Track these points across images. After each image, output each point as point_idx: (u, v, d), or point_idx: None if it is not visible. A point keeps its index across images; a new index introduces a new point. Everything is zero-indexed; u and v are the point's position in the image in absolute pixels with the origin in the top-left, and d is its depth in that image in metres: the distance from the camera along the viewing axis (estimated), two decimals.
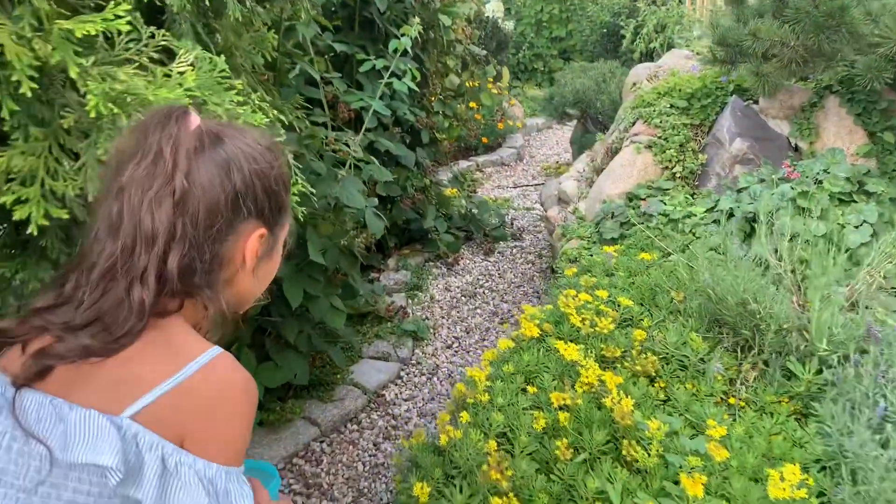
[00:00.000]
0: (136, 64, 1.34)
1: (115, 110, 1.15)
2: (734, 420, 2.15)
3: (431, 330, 3.91)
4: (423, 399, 3.31)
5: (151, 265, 0.88)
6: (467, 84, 4.83)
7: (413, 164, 4.49)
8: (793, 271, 2.54)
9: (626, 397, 2.08)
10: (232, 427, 0.90)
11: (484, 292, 4.43)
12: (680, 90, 3.61)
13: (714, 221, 3.13)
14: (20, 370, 0.85)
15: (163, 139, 0.90)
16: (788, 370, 2.25)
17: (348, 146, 3.32)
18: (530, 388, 2.25)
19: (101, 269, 0.89)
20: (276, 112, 1.73)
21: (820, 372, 2.14)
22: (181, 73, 1.39)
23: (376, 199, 3.27)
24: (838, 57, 2.55)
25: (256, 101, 1.65)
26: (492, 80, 6.22)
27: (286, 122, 1.91)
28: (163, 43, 1.44)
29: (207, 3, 1.70)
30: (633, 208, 3.33)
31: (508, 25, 9.98)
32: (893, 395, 1.79)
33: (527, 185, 6.78)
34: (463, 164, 7.00)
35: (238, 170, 0.93)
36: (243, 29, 2.14)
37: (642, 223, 3.21)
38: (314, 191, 2.23)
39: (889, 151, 3.17)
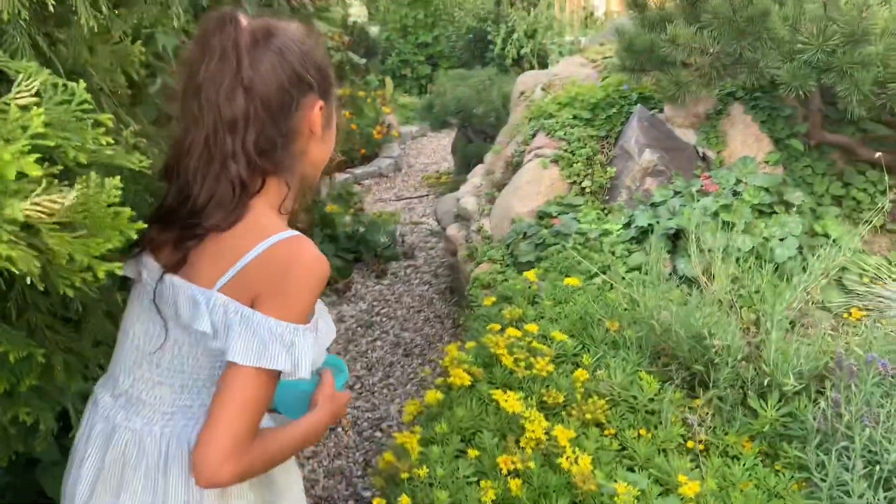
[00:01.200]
0: None
1: None
2: (697, 467, 1.95)
3: None
4: (328, 455, 2.92)
5: (237, 146, 1.04)
6: (348, 94, 4.47)
7: None
8: (731, 292, 2.40)
9: (582, 453, 1.83)
10: (300, 290, 1.04)
11: (382, 320, 4.08)
12: (582, 100, 3.44)
13: (632, 239, 2.95)
14: (166, 259, 1.08)
15: (224, 40, 1.05)
16: (745, 404, 2.09)
17: None
18: (471, 451, 1.95)
19: (195, 160, 1.06)
20: (155, 152, 1.33)
21: (783, 406, 1.99)
22: (24, 109, 0.97)
23: None
24: (761, 64, 2.43)
25: (129, 138, 1.24)
26: (375, 90, 5.89)
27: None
28: None
29: (51, 8, 1.27)
30: (546, 227, 3.11)
31: (374, 31, 9.67)
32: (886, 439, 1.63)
33: (410, 198, 6.48)
34: (340, 177, 6.60)
35: (291, 53, 1.08)
36: (98, 41, 1.70)
37: (558, 244, 2.99)
38: None
39: (795, 158, 3.13)
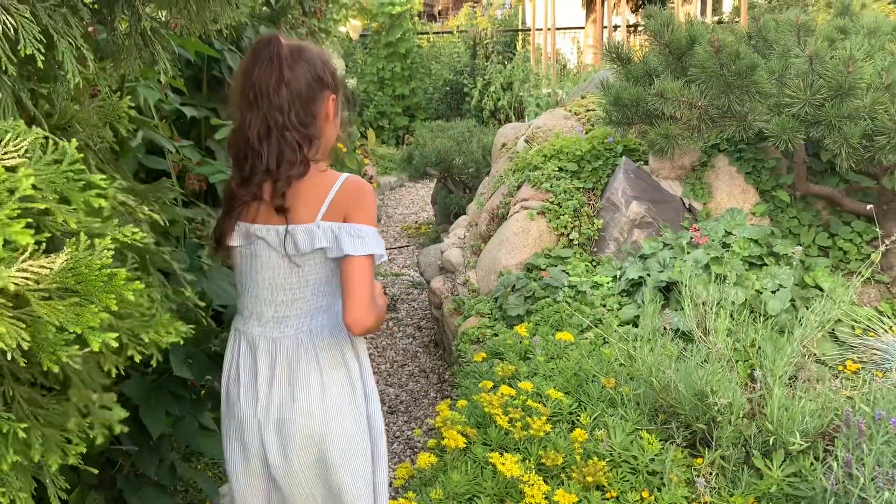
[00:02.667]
0: None
1: None
2: None
3: None
4: None
5: (288, 121, 1.52)
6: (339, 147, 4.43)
7: None
8: (743, 355, 2.35)
9: None
10: (370, 204, 1.58)
11: None
12: (568, 152, 3.43)
13: (623, 291, 2.92)
14: (264, 217, 1.57)
15: (270, 52, 1.53)
16: (750, 463, 2.03)
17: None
18: None
19: (255, 134, 1.52)
20: (146, 210, 1.26)
21: (789, 465, 1.93)
22: (11, 170, 0.91)
23: None
24: (749, 117, 2.44)
25: (119, 197, 1.17)
26: (358, 143, 5.87)
27: (157, 219, 1.43)
28: None
29: (40, 64, 1.22)
30: (535, 280, 3.06)
31: (352, 83, 9.73)
32: None
33: (391, 249, 6.42)
34: None
35: (315, 62, 1.56)
36: (85, 95, 1.64)
37: (548, 297, 2.94)
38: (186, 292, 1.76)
39: (781, 209, 3.14)
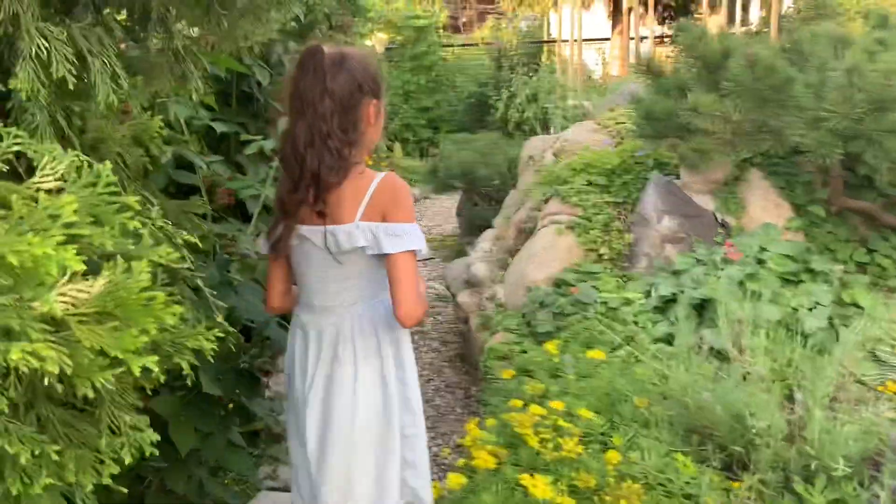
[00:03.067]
0: None
1: None
2: None
3: None
4: None
5: (331, 129, 1.61)
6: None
7: None
8: (779, 374, 2.29)
9: None
10: (407, 200, 1.67)
11: None
12: (597, 166, 3.40)
13: (655, 308, 2.87)
14: (310, 219, 1.66)
15: (315, 63, 1.62)
16: (790, 488, 1.97)
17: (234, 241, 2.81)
18: None
19: (302, 141, 1.62)
20: (183, 235, 1.26)
21: (830, 491, 1.87)
22: (52, 193, 0.90)
23: None
24: (786, 132, 2.39)
25: (157, 221, 1.16)
26: (384, 155, 5.89)
27: (190, 241, 1.42)
28: (16, 146, 0.95)
29: (71, 85, 1.21)
30: (564, 295, 3.02)
31: None
32: None
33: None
34: None
35: (356, 71, 1.65)
36: (116, 114, 1.65)
37: (577, 313, 2.90)
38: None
39: (816, 224, 3.07)
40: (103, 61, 1.44)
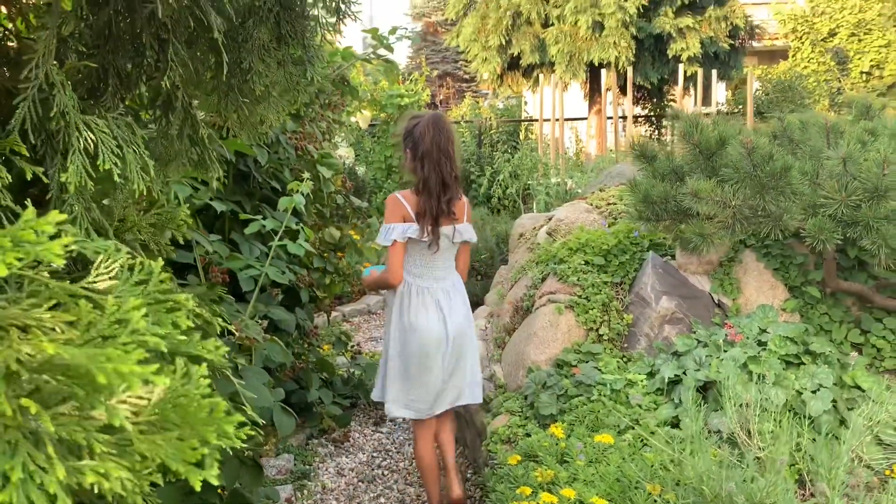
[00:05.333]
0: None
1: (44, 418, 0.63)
2: None
3: None
4: None
5: (456, 169, 2.81)
6: (353, 235, 4.45)
7: (294, 329, 3.95)
8: (789, 459, 2.28)
9: None
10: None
11: (384, 474, 3.85)
12: (594, 246, 3.44)
13: (658, 390, 2.86)
14: (445, 220, 2.80)
15: (445, 125, 2.83)
16: None
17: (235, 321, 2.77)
18: None
19: (449, 175, 2.77)
20: (220, 322, 1.24)
21: None
22: (114, 297, 0.88)
23: (282, 391, 2.70)
24: (785, 217, 2.45)
25: (205, 314, 1.15)
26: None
27: (228, 329, 1.41)
28: (74, 245, 0.94)
29: (116, 177, 1.21)
30: (566, 377, 3.01)
31: (361, 171, 9.88)
32: None
33: None
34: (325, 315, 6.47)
35: (453, 128, 2.89)
36: (145, 203, 1.64)
37: (581, 395, 2.88)
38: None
39: (811, 306, 3.12)
40: (134, 151, 1.45)
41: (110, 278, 0.98)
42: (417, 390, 2.85)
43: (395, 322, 2.86)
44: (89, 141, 1.18)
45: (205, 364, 0.91)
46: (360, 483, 3.74)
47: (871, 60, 16.98)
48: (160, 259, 1.02)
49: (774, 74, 14.30)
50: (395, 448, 4.14)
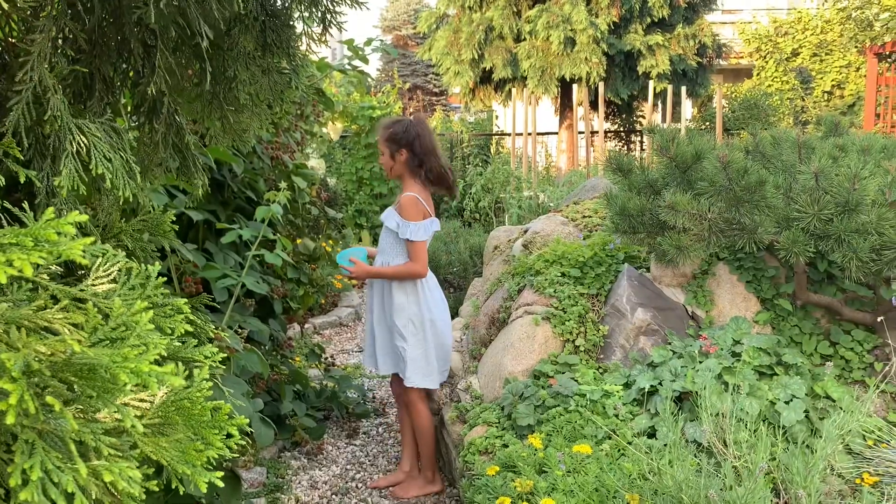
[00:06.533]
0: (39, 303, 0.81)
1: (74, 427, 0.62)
2: None
3: None
4: None
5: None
6: (325, 248, 4.43)
7: (268, 340, 3.91)
8: (747, 461, 2.32)
9: None
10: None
11: (358, 486, 3.82)
12: (570, 258, 3.47)
13: (634, 401, 2.89)
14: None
15: (428, 126, 3.42)
16: None
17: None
18: None
19: (447, 168, 3.38)
20: (213, 328, 1.23)
21: None
22: (105, 297, 0.87)
23: (260, 402, 2.67)
24: (759, 230, 2.50)
25: (198, 321, 1.14)
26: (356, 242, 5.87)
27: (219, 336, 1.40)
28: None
29: (108, 182, 1.20)
30: (544, 387, 3.02)
31: (332, 182, 9.84)
32: None
33: None
34: (299, 327, 6.43)
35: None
36: (130, 207, 1.63)
37: (559, 405, 2.90)
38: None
39: (783, 318, 3.18)
40: (121, 156, 1.44)
41: (109, 282, 0.97)
42: (440, 363, 3.39)
43: (415, 315, 3.26)
44: (82, 145, 1.17)
45: (206, 367, 0.91)
46: (333, 496, 3.71)
47: (832, 80, 17.47)
48: (157, 263, 1.01)
49: (739, 93, 14.62)
50: (369, 461, 4.12)
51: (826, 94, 17.35)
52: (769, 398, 2.70)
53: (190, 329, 0.97)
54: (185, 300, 1.01)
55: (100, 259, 0.97)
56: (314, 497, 3.69)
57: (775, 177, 2.60)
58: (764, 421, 2.66)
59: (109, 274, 0.97)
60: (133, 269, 1.00)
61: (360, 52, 5.07)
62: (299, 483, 3.82)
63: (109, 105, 1.76)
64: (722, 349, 2.89)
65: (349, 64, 4.92)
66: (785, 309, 3.15)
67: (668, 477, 2.20)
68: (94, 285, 0.95)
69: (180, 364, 0.92)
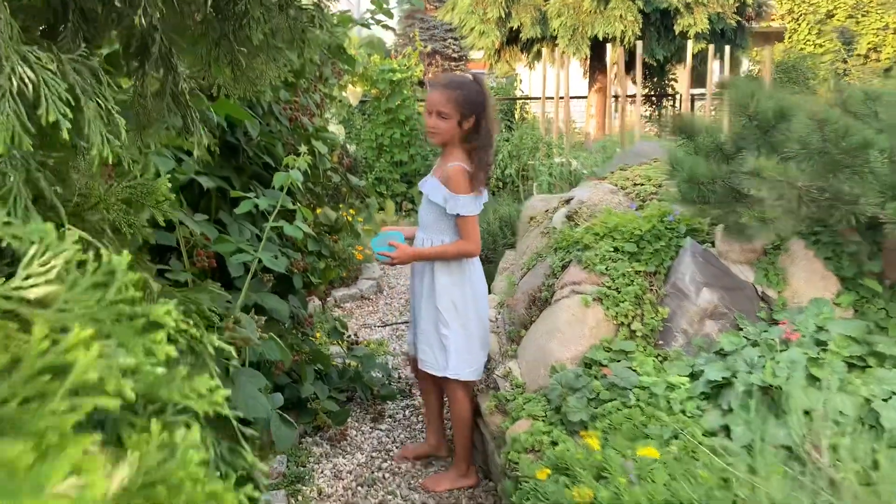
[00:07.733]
0: None
1: None
2: None
3: None
4: None
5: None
6: (347, 218, 4.09)
7: (287, 318, 3.60)
8: (863, 478, 1.98)
9: None
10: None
11: (385, 476, 3.52)
12: (623, 231, 3.10)
13: (701, 394, 2.55)
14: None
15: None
16: None
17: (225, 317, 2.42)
18: None
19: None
20: (214, 341, 0.90)
21: None
22: (42, 306, 0.53)
23: (280, 396, 2.35)
24: (862, 201, 2.13)
25: (192, 331, 0.81)
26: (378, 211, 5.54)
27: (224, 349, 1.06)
28: None
29: (65, 134, 0.85)
30: (597, 377, 2.69)
31: (352, 149, 9.47)
32: None
33: (397, 323, 6.02)
34: (319, 301, 6.12)
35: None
36: (114, 173, 1.29)
37: (615, 399, 2.56)
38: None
39: (867, 300, 2.81)
40: (98, 104, 1.09)
41: (48, 281, 0.62)
42: (483, 351, 3.13)
43: (458, 297, 2.97)
44: (26, 80, 0.82)
45: (196, 427, 0.57)
46: (359, 487, 3.42)
47: (869, 43, 16.75)
48: (126, 252, 0.66)
49: (776, 56, 14.02)
50: (397, 447, 3.82)
51: (861, 58, 16.66)
52: (863, 395, 2.34)
53: (174, 353, 0.63)
54: (169, 307, 0.66)
55: (35, 246, 0.63)
56: (338, 489, 3.40)
57: (879, 137, 2.21)
58: (857, 420, 2.31)
59: (49, 269, 0.62)
60: (88, 261, 0.65)
61: (385, 6, 4.66)
62: (322, 472, 3.53)
63: (88, 44, 1.41)
64: (804, 336, 2.52)
65: (373, 18, 4.53)
66: (871, 290, 2.77)
67: (761, 493, 1.86)
68: (21, 287, 0.60)
69: (155, 422, 0.58)
